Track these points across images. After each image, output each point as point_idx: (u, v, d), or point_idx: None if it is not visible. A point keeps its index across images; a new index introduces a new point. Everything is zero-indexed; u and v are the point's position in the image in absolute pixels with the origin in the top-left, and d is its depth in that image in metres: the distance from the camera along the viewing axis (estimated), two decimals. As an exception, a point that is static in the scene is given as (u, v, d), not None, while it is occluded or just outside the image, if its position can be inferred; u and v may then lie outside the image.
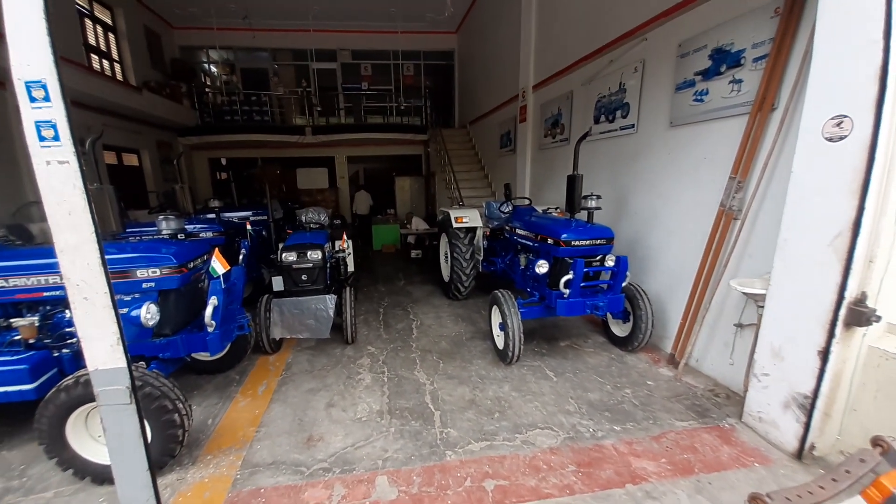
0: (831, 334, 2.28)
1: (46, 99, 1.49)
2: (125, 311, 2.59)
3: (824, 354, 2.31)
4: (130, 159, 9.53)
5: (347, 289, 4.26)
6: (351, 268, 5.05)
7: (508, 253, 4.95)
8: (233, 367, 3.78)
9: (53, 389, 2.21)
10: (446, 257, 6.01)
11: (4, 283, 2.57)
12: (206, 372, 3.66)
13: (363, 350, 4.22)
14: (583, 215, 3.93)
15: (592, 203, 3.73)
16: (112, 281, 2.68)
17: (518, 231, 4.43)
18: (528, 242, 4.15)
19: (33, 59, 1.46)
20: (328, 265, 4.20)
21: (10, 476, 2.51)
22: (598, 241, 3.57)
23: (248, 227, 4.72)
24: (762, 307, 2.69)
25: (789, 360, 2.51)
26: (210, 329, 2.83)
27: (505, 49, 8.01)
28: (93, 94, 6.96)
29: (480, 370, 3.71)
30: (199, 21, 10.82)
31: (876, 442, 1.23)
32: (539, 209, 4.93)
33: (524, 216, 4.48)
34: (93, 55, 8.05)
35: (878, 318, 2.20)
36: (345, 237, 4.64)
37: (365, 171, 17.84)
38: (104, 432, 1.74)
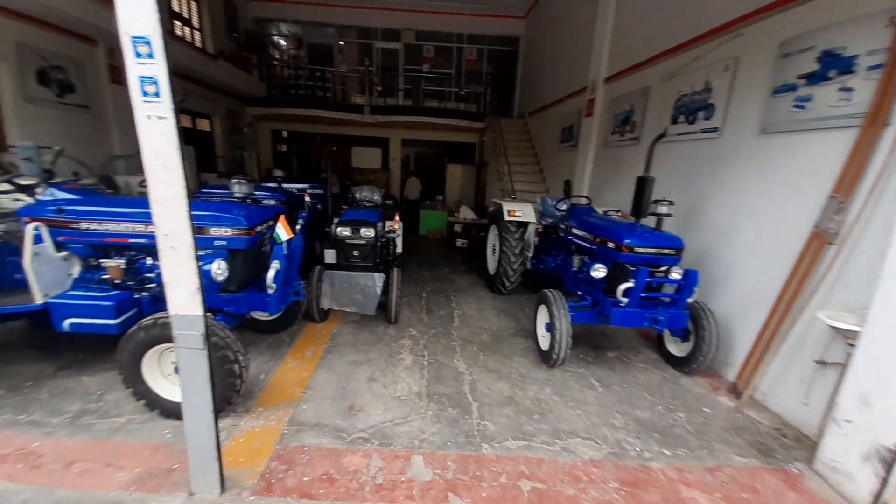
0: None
1: (150, 56, 1.55)
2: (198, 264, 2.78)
3: (925, 408, 2.03)
4: (203, 124, 10.19)
5: (395, 269, 4.32)
6: (399, 249, 5.11)
7: (561, 252, 4.79)
8: (284, 330, 3.98)
9: (135, 327, 2.42)
10: (494, 250, 5.94)
11: (98, 227, 2.82)
12: (260, 331, 3.88)
13: (405, 331, 4.29)
14: (649, 221, 3.70)
15: (664, 209, 3.50)
16: None
17: (574, 231, 4.25)
18: (585, 244, 3.98)
19: (140, 15, 1.51)
20: (379, 244, 4.27)
21: (88, 399, 2.80)
22: (666, 251, 3.34)
23: (307, 198, 4.89)
24: (853, 345, 2.41)
25: (878, 408, 2.24)
26: (270, 291, 2.97)
27: (576, 38, 7.65)
28: (174, 59, 7.46)
29: (521, 368, 3.65)
30: (273, -8, 11.25)
31: None
32: (599, 210, 4.71)
33: (582, 216, 4.29)
34: (175, 21, 8.54)
35: None
36: (397, 218, 4.68)
37: (416, 156, 17.99)
38: (179, 372, 1.87)
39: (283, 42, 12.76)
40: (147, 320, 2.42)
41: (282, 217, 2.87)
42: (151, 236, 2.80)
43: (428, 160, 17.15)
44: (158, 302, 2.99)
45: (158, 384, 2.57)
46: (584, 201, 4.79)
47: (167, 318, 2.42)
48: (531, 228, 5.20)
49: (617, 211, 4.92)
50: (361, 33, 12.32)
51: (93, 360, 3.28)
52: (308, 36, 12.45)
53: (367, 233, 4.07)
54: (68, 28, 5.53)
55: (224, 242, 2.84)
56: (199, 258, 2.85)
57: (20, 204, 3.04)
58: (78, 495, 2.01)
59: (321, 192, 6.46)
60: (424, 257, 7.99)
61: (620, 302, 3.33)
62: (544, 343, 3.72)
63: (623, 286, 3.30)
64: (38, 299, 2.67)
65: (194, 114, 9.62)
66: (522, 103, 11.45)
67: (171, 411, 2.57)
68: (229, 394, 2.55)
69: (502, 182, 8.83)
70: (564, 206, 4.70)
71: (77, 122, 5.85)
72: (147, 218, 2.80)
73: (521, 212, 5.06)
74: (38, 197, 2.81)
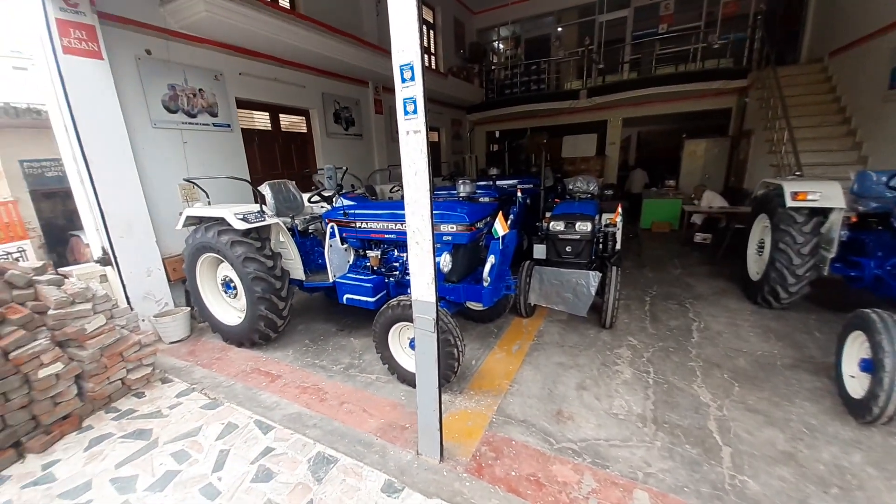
0: None
1: (412, 79, 1.78)
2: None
3: None
4: (433, 136, 11.97)
5: (613, 268, 3.81)
6: (618, 245, 4.50)
7: (894, 253, 3.09)
8: (492, 321, 4.15)
9: (385, 305, 2.97)
10: (760, 247, 4.46)
11: (366, 225, 3.61)
12: (471, 320, 4.17)
13: (622, 339, 3.74)
14: None
15: None
16: None
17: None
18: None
19: (406, 46, 1.74)
20: (595, 239, 3.85)
21: (353, 356, 3.65)
22: None
23: (519, 194, 4.94)
24: None
25: None
26: (486, 283, 3.10)
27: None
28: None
29: (808, 417, 2.54)
30: (496, 1, 11.92)
31: None
32: None
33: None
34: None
35: None
36: (619, 210, 4.11)
37: (639, 137, 15.62)
38: (415, 349, 2.15)
39: (501, 46, 13.50)
40: (393, 301, 2.93)
41: (500, 213, 2.95)
42: (397, 232, 3.40)
43: (657, 140, 14.72)
44: (400, 287, 3.62)
45: (398, 354, 3.09)
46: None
47: (407, 301, 2.90)
48: (835, 218, 3.57)
49: None
50: (582, 11, 11.52)
51: (359, 326, 4.30)
52: (526, 31, 12.66)
53: (583, 227, 3.73)
54: (351, 76, 7.46)
55: (450, 238, 3.14)
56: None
57: (323, 209, 4.28)
58: (345, 429, 2.63)
59: (531, 186, 6.47)
60: (648, 255, 6.87)
61: None
62: (855, 387, 2.49)
63: None
64: (331, 279, 3.67)
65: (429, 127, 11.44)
66: (817, 40, 8.08)
67: (405, 378, 3.06)
68: (448, 373, 2.81)
69: (777, 154, 6.55)
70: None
71: (354, 147, 7.87)
72: (395, 218, 3.41)
73: (820, 193, 3.53)
74: (334, 204, 3.87)
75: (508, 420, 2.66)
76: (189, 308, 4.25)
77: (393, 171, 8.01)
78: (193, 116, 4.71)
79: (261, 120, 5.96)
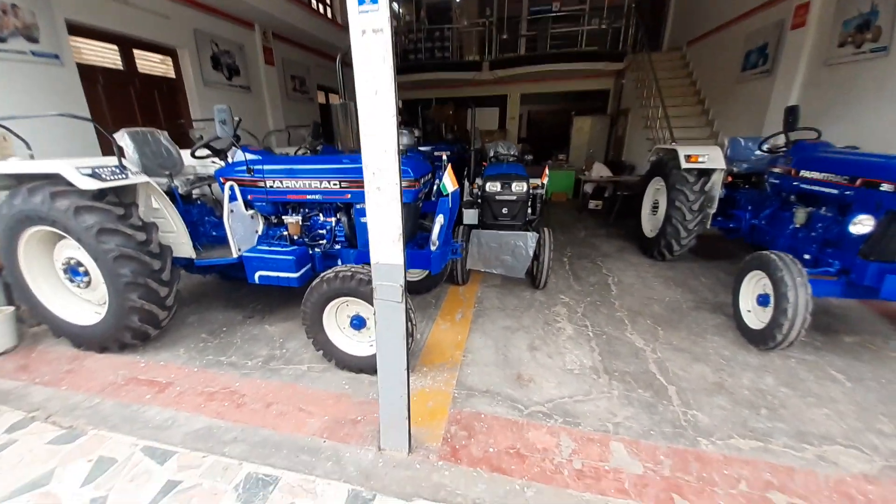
0: None
1: None
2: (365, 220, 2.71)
3: None
4: (334, 99, 10.86)
5: (545, 229, 3.85)
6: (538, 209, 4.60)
7: (767, 206, 3.70)
8: (429, 291, 3.89)
9: (318, 279, 2.44)
10: (654, 208, 5.00)
11: (280, 185, 2.91)
12: (408, 291, 3.83)
13: (556, 298, 3.84)
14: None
15: None
16: (358, 190, 2.85)
17: (804, 174, 3.15)
18: (830, 190, 2.89)
19: None
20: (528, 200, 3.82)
21: (273, 346, 3.02)
22: None
23: (444, 157, 4.68)
24: None
25: None
26: (433, 248, 2.78)
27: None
28: (316, 34, 7.79)
29: (721, 349, 2.90)
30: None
31: None
32: (835, 146, 3.45)
33: (817, 154, 3.16)
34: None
35: None
36: (546, 172, 4.14)
37: (529, 116, 16.61)
38: (377, 324, 1.74)
39: (400, 9, 12.69)
40: (328, 273, 2.42)
41: (450, 166, 2.61)
42: (324, 192, 2.82)
43: (545, 118, 15.76)
44: (328, 258, 3.07)
45: (336, 336, 2.61)
46: (812, 135, 3.54)
47: (347, 272, 2.40)
48: (717, 178, 4.14)
49: (855, 148, 3.58)
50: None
51: (273, 310, 3.61)
52: (426, -3, 12.07)
53: (519, 187, 3.64)
54: (231, 13, 6.10)
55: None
56: (363, 213, 2.79)
57: (214, 167, 3.38)
58: (280, 437, 2.10)
59: (449, 152, 6.25)
60: (555, 221, 7.32)
61: (902, 269, 2.32)
62: (753, 320, 2.91)
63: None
64: (234, 253, 2.92)
65: (327, 90, 10.28)
66: (677, 31, 9.37)
67: (347, 363, 2.61)
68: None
69: (653, 130, 7.46)
70: (781, 143, 3.56)
71: (241, 101, 6.58)
72: (323, 174, 2.81)
73: (708, 156, 4.03)
74: (230, 159, 3.04)
75: (471, 392, 2.46)
76: (13, 308, 3.00)
77: (294, 134, 6.93)
78: (2, 41, 3.23)
79: (107, 55, 4.46)
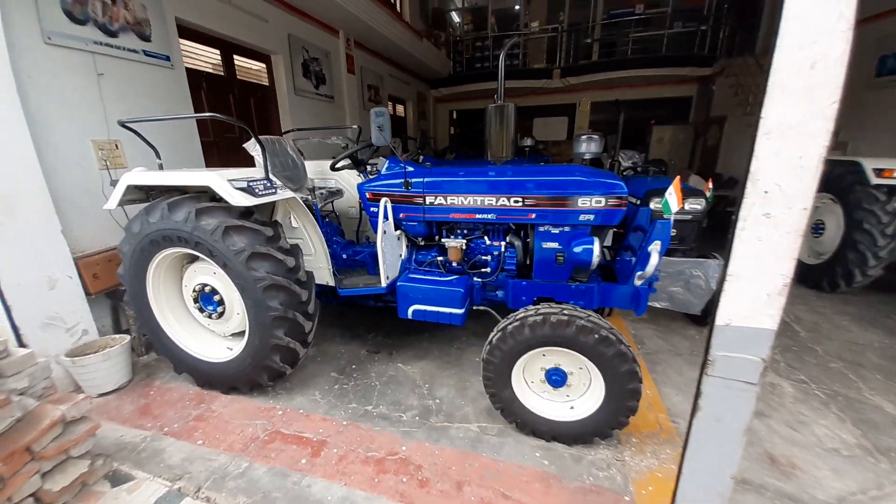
0: None
1: None
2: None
3: None
4: (399, 109, 10.58)
5: (716, 256, 3.20)
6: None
7: None
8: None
9: (515, 322, 1.92)
10: (815, 230, 4.24)
11: (443, 201, 2.35)
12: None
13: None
14: None
15: None
16: (546, 209, 2.31)
17: None
18: None
19: None
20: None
21: (421, 394, 2.51)
22: None
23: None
24: None
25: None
26: (638, 282, 2.20)
27: None
28: (391, 39, 7.46)
29: None
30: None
31: None
32: None
33: None
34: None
35: None
36: (709, 185, 3.49)
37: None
38: (694, 411, 1.18)
39: (458, 18, 12.43)
40: (530, 315, 1.89)
41: (677, 179, 2.05)
42: (502, 210, 2.31)
43: (614, 128, 14.97)
44: (487, 289, 2.56)
45: (525, 394, 2.07)
46: None
47: (560, 314, 1.86)
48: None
49: None
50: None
51: (394, 344, 3.13)
52: (494, 2, 11.64)
53: (695, 205, 3.04)
54: (321, 18, 5.87)
55: (591, 217, 2.16)
56: (564, 237, 2.24)
57: (327, 179, 3.02)
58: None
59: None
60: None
61: None
62: None
63: None
64: (384, 282, 2.45)
65: (395, 99, 10.00)
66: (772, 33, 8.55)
67: (535, 427, 2.06)
68: (632, 404, 1.89)
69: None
70: None
71: (325, 112, 6.31)
72: (504, 189, 2.28)
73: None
74: (382, 170, 2.60)
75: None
76: (129, 336, 2.66)
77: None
78: (113, 35, 2.99)
79: (210, 59, 4.24)
